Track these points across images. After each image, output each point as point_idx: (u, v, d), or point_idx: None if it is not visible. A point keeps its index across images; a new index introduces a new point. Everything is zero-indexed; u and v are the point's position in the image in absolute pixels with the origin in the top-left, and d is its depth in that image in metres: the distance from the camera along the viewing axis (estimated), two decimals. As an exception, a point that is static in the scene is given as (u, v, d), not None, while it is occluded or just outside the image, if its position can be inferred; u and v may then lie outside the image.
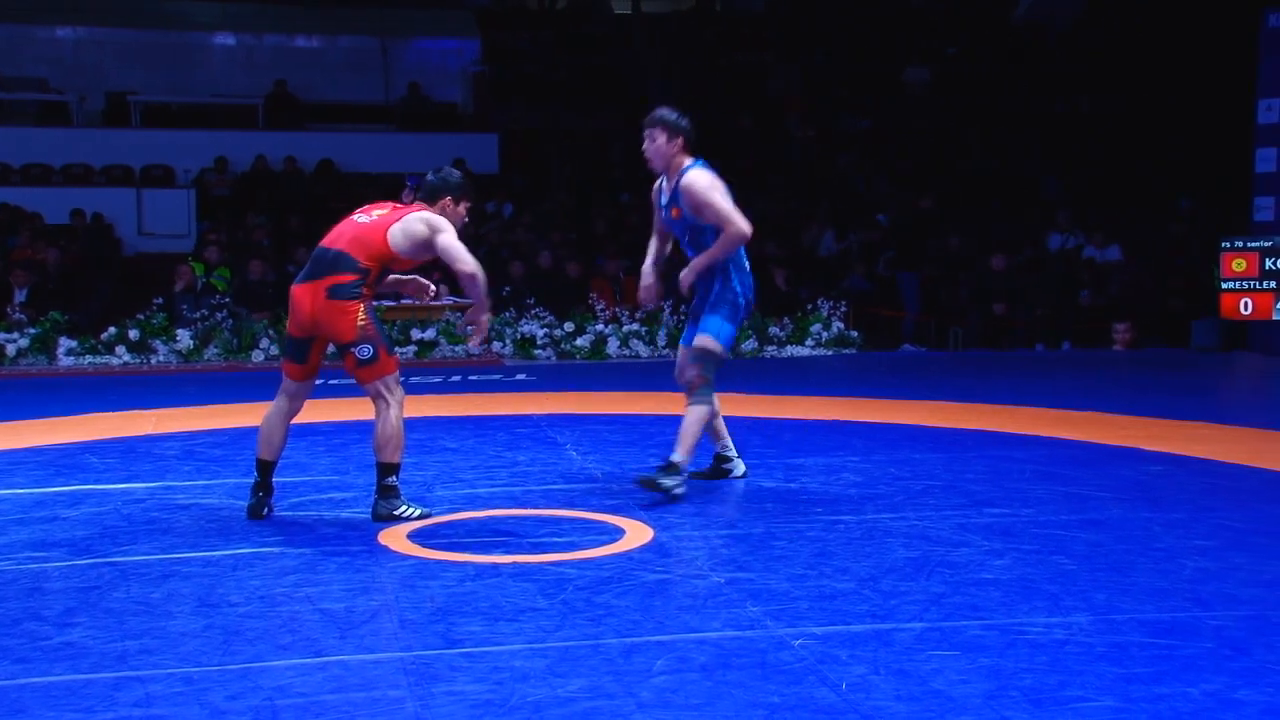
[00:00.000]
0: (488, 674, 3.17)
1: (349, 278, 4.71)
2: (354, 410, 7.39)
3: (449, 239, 4.78)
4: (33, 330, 11.16)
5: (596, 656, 3.29)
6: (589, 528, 4.76)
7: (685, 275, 5.27)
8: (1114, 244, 14.06)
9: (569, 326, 11.59)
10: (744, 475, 5.64)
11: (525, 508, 5.10)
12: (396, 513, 4.80)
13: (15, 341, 11.07)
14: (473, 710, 2.94)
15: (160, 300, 11.62)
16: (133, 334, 11.14)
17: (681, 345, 5.41)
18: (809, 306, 12.16)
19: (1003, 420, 7.31)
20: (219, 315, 11.51)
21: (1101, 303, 13.15)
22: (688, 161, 5.22)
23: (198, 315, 11.54)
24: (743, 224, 5.09)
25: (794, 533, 4.62)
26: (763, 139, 17.73)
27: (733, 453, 5.67)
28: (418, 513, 4.85)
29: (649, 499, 5.13)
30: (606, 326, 11.61)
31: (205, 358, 11.21)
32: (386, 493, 4.82)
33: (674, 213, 5.26)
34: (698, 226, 5.21)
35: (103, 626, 3.57)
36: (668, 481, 5.10)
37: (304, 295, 4.75)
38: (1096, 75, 18.56)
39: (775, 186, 16.34)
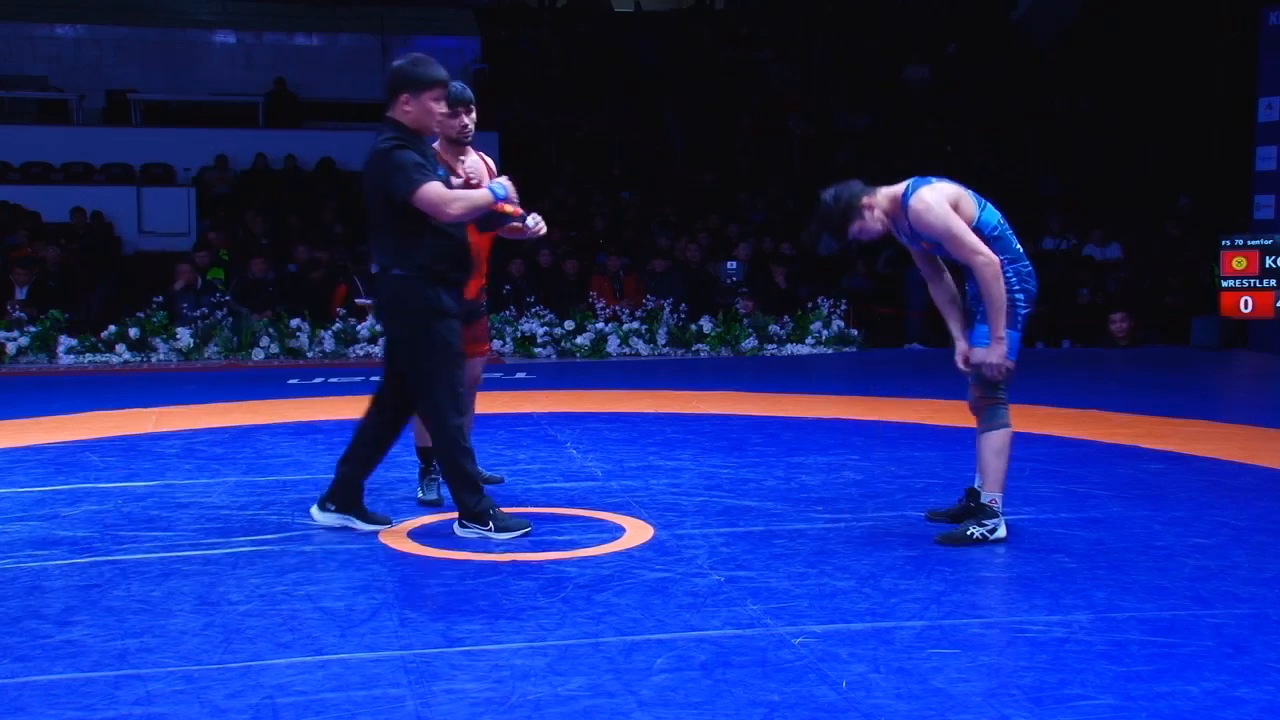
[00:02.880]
0: (488, 672, 3.17)
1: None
2: (356, 409, 7.38)
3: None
4: (33, 328, 11.16)
5: (596, 655, 3.29)
6: (589, 526, 4.76)
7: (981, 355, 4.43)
8: (1114, 242, 14.06)
9: (569, 325, 11.59)
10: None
11: (525, 506, 5.10)
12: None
13: (16, 340, 11.08)
14: (473, 708, 2.94)
15: (160, 298, 11.62)
16: (133, 332, 11.14)
17: (971, 345, 4.53)
18: (809, 305, 12.16)
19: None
20: (219, 314, 11.51)
21: (1100, 300, 13.16)
22: (899, 193, 4.47)
23: (198, 313, 11.54)
24: (994, 259, 4.35)
25: (794, 531, 4.62)
26: (762, 137, 17.73)
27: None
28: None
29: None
30: (607, 325, 11.61)
31: (205, 356, 11.21)
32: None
33: (924, 244, 4.56)
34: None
35: (103, 624, 3.57)
36: (977, 530, 4.41)
37: None
38: (1095, 73, 18.56)
39: (774, 184, 16.35)
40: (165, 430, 7.18)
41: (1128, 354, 11.67)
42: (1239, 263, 11.62)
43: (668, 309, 11.78)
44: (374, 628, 3.55)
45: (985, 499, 4.47)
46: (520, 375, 9.99)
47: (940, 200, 4.36)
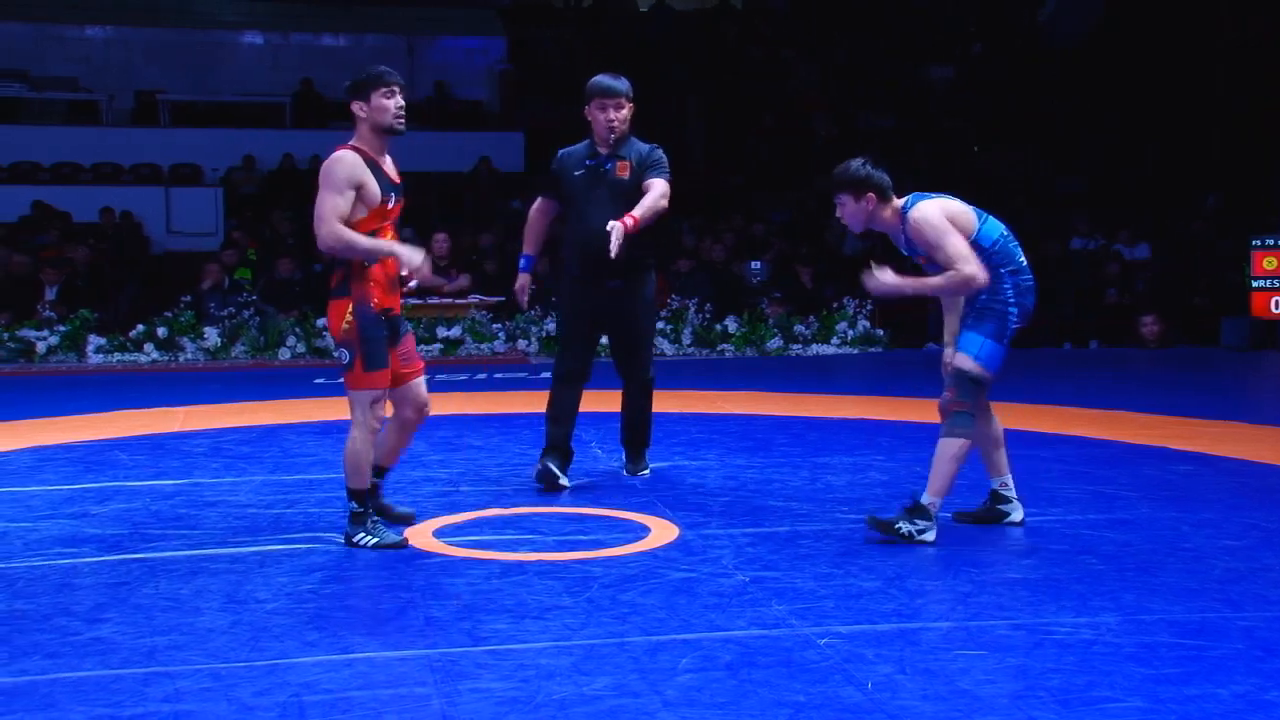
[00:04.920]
0: (513, 671, 3.17)
1: (339, 274, 4.36)
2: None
3: (320, 196, 4.31)
4: (63, 328, 11.26)
5: (622, 654, 3.29)
6: (614, 526, 4.77)
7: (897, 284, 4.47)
8: (1142, 242, 13.97)
9: (594, 324, 11.58)
10: (1021, 522, 4.73)
11: (550, 506, 5.11)
12: (356, 540, 4.39)
13: (46, 339, 11.17)
14: (498, 707, 2.94)
15: (188, 298, 11.70)
16: (161, 331, 11.22)
17: (956, 349, 4.56)
18: (834, 305, 12.13)
19: (1029, 419, 7.26)
20: (246, 313, 11.57)
21: (1128, 301, 13.07)
22: (900, 205, 4.51)
23: (225, 313, 11.61)
24: (979, 275, 4.36)
25: (819, 531, 4.61)
26: (785, 137, 17.69)
27: (1012, 493, 4.76)
28: (373, 541, 4.38)
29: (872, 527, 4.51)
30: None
31: (232, 355, 11.28)
32: (351, 519, 4.43)
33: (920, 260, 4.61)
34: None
35: (132, 622, 3.59)
36: (907, 527, 4.41)
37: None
38: (1123, 72, 18.44)
39: (798, 185, 16.31)
40: (192, 429, 7.23)
41: (1156, 355, 11.60)
42: (1269, 263, 11.54)
43: (692, 309, 11.77)
44: (400, 626, 3.56)
45: (924, 500, 4.45)
46: (545, 375, 9.99)
47: (938, 213, 4.40)
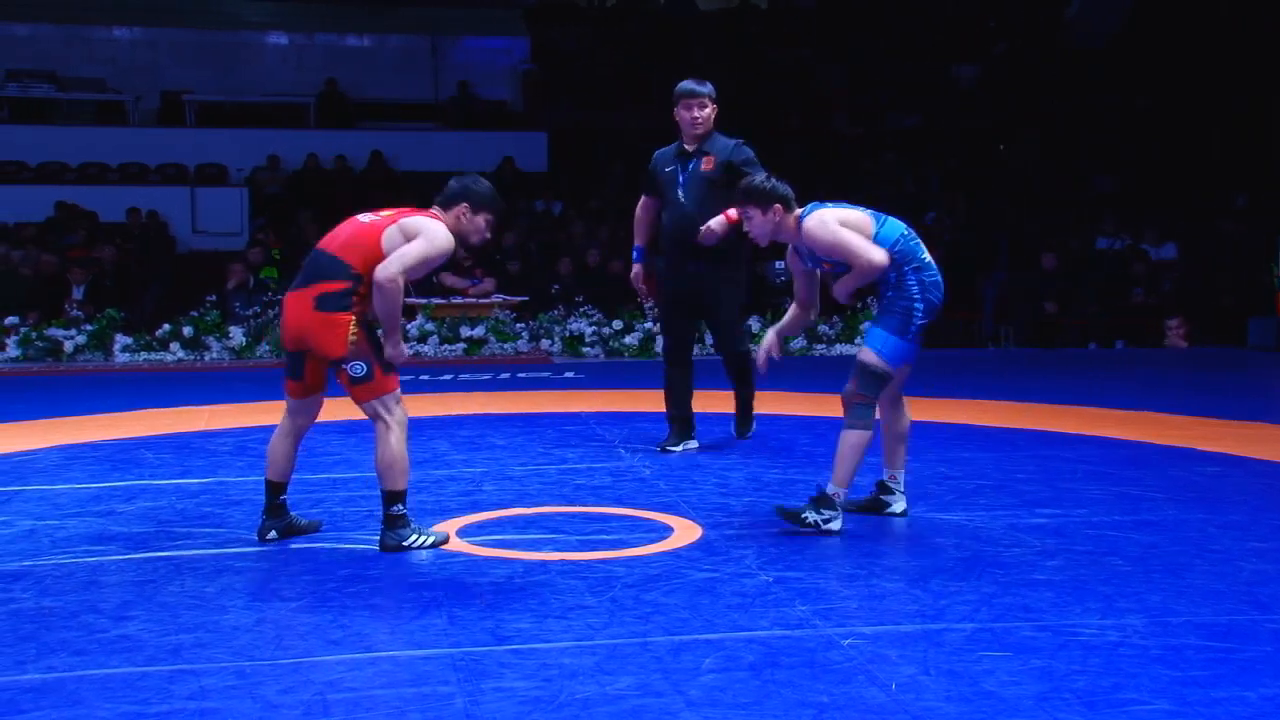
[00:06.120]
0: (536, 671, 3.18)
1: (339, 286, 4.28)
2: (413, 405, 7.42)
3: (413, 246, 4.27)
4: (90, 327, 11.34)
5: (645, 654, 3.29)
6: (637, 525, 4.77)
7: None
8: (1169, 242, 13.87)
9: (617, 324, 11.60)
10: (904, 514, 4.88)
11: (574, 505, 5.11)
12: (406, 544, 4.36)
13: (73, 338, 11.25)
14: (521, 707, 2.95)
15: (213, 297, 11.76)
16: (187, 331, 11.28)
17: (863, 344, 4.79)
18: (858, 305, 12.09)
19: (1055, 420, 7.23)
20: (271, 312, 11.63)
21: (1154, 301, 12.99)
22: (797, 215, 4.66)
23: (250, 312, 11.66)
24: (876, 256, 4.53)
25: (843, 531, 4.60)
26: (809, 137, 17.65)
27: (899, 486, 4.92)
28: (429, 540, 4.41)
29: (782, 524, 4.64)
30: (655, 324, 11.61)
31: (257, 354, 11.33)
32: (393, 523, 4.38)
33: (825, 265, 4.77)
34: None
35: (158, 620, 3.62)
36: (813, 516, 4.54)
37: (293, 304, 4.36)
38: (1149, 71, 18.32)
39: (821, 185, 16.25)
40: (218, 428, 7.27)
41: (1182, 355, 11.52)
42: (1297, 262, 11.43)
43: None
44: (423, 625, 3.57)
45: (829, 490, 4.57)
46: (568, 375, 10.02)
47: (831, 220, 4.57)
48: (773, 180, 4.69)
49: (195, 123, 17.63)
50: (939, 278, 4.66)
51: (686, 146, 6.21)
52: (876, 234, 4.60)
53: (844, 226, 4.56)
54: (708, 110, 6.16)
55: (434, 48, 19.29)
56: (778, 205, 4.62)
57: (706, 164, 6.14)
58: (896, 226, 4.65)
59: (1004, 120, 18.02)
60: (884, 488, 4.93)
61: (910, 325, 4.59)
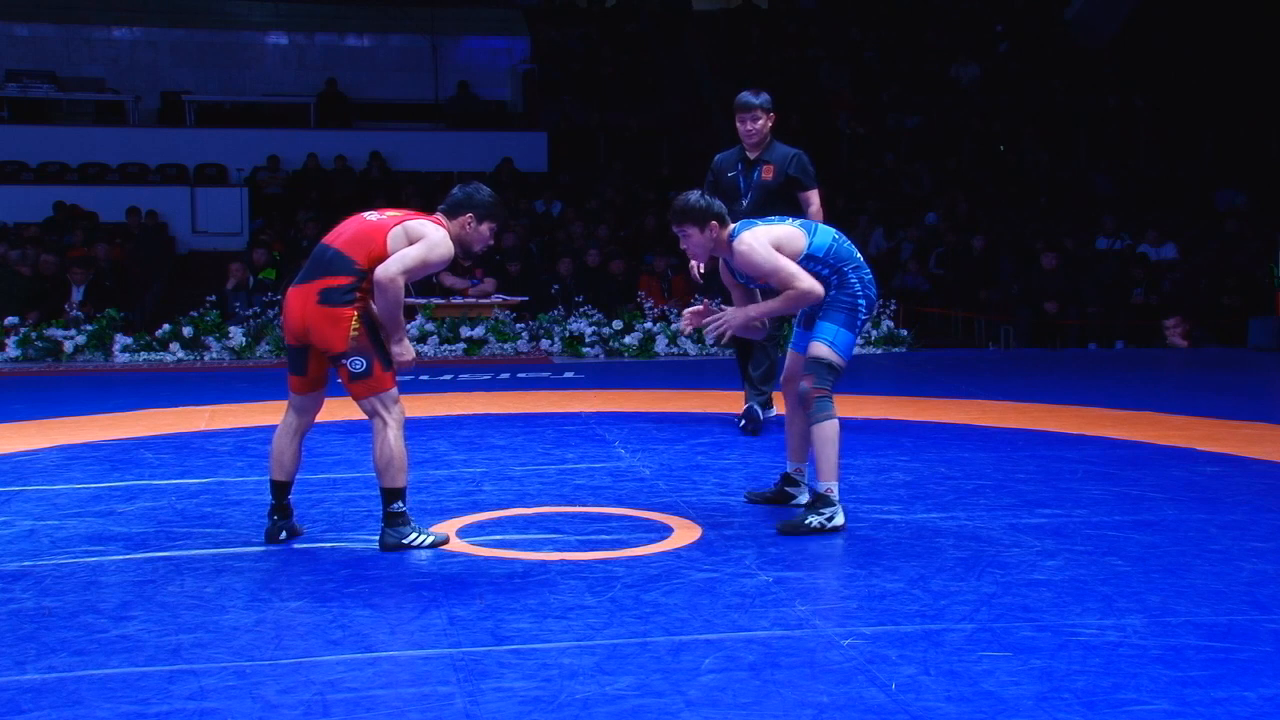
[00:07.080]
0: (536, 671, 3.18)
1: (343, 281, 4.28)
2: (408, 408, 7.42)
3: (413, 250, 4.29)
4: (89, 327, 11.33)
5: (645, 654, 3.29)
6: (637, 525, 4.76)
7: (742, 318, 4.76)
8: (1169, 241, 13.88)
9: (617, 324, 11.60)
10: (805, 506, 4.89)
11: (573, 505, 5.11)
12: (406, 541, 4.36)
13: (73, 338, 11.25)
14: (521, 707, 2.95)
15: (213, 297, 11.76)
16: (186, 331, 11.28)
17: (790, 350, 4.92)
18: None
19: (1055, 420, 7.23)
20: (271, 313, 11.63)
21: (1155, 301, 12.99)
22: (728, 234, 4.72)
23: (250, 312, 11.66)
24: (816, 288, 4.61)
25: (844, 528, 4.60)
26: (812, 136, 17.66)
27: (804, 479, 5.02)
28: (429, 540, 4.41)
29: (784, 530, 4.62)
30: (655, 324, 11.61)
31: (257, 354, 11.33)
32: (393, 520, 4.38)
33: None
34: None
35: (157, 620, 3.62)
36: (815, 519, 4.57)
37: (295, 299, 4.35)
38: (1149, 71, 18.34)
39: (824, 184, 16.25)
40: (218, 428, 7.27)
41: (1183, 355, 11.52)
42: (1298, 262, 11.43)
43: (716, 308, 11.75)
44: (423, 626, 3.57)
45: (821, 488, 4.62)
46: (568, 375, 10.01)
47: (763, 242, 4.62)
48: (706, 198, 4.73)
49: (195, 123, 17.64)
50: (872, 275, 4.81)
51: (749, 154, 6.55)
52: (810, 244, 4.67)
53: (776, 247, 4.62)
54: (761, 121, 6.49)
55: (434, 48, 19.31)
56: (713, 223, 4.67)
57: (767, 172, 6.52)
58: (827, 233, 4.75)
59: (1005, 120, 18.03)
60: (789, 479, 5.06)
61: (856, 320, 4.72)
